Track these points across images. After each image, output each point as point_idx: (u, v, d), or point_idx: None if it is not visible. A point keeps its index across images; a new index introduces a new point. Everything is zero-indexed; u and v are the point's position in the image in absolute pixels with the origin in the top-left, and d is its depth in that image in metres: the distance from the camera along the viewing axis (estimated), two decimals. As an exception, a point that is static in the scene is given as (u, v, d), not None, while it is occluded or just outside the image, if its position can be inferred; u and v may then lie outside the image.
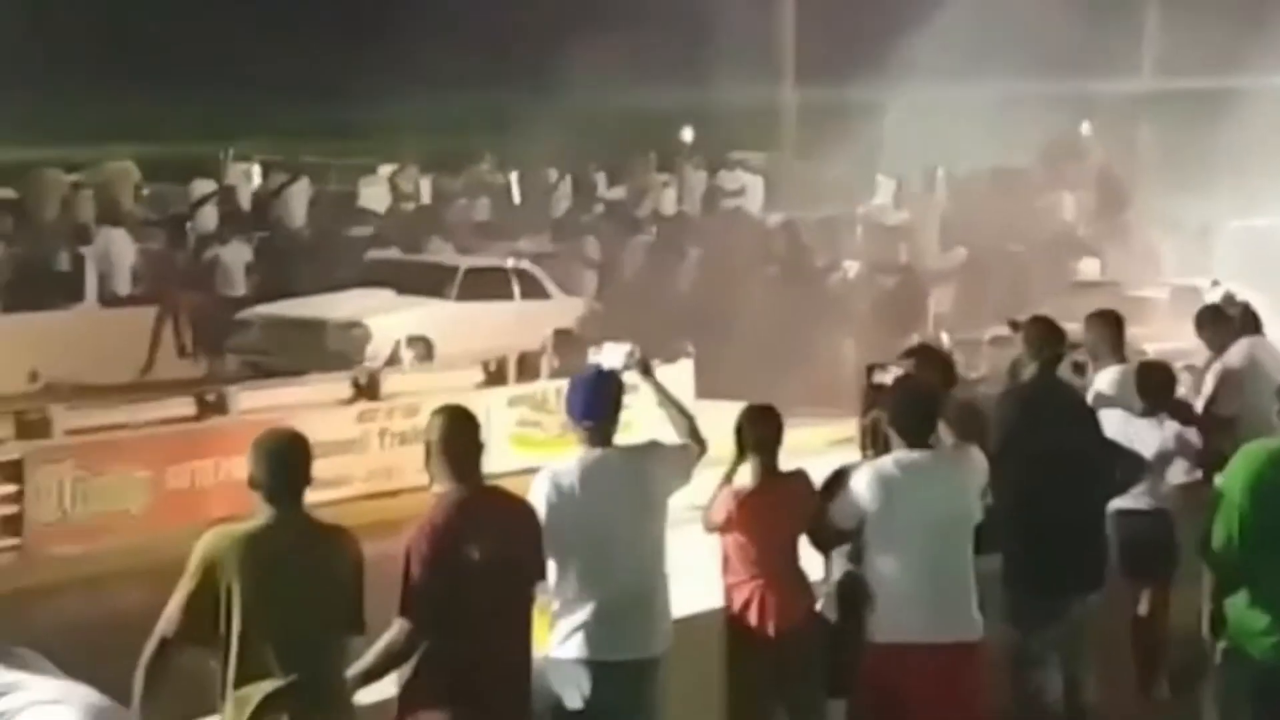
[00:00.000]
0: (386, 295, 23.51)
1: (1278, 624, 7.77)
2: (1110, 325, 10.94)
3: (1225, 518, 7.84)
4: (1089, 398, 10.48)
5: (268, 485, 6.68)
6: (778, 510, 8.30)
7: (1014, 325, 10.06)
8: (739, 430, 8.50)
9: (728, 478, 8.50)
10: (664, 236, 29.94)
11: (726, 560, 8.46)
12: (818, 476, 8.46)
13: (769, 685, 8.34)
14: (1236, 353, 11.23)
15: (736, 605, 8.40)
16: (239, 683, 6.46)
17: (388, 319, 22.97)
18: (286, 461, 6.74)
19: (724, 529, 8.42)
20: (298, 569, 6.57)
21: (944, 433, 8.20)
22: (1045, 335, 9.66)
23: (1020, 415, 9.15)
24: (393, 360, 21.84)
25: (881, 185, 34.56)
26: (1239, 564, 7.79)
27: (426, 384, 18.72)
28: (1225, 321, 11.94)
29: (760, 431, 8.49)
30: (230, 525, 6.73)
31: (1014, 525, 8.39)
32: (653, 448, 7.84)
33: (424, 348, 22.89)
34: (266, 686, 6.44)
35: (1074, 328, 11.36)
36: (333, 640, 6.65)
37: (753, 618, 8.33)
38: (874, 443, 8.46)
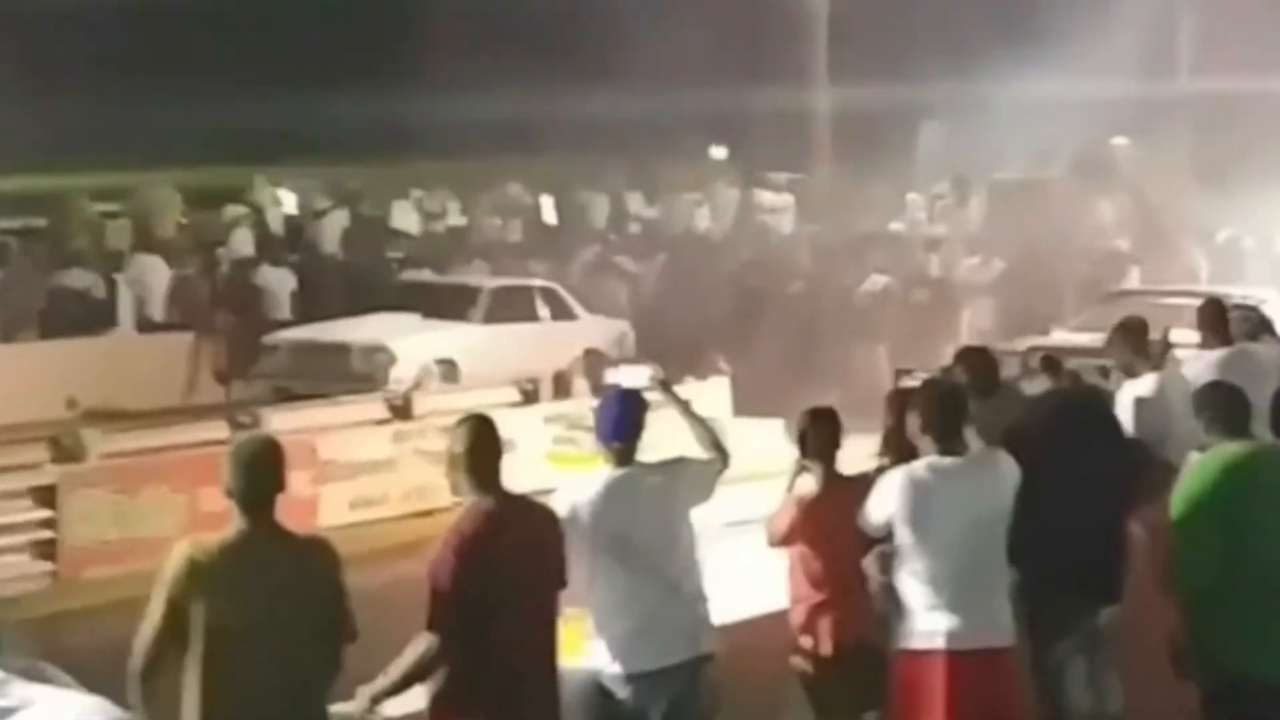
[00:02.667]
0: (411, 319, 23.56)
1: (1266, 637, 7.74)
2: (1135, 333, 10.87)
3: (1193, 541, 7.81)
4: (1129, 403, 10.43)
5: (241, 493, 6.63)
6: (844, 518, 8.18)
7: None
8: (801, 436, 8.46)
9: (790, 487, 8.46)
10: (698, 254, 29.91)
11: (792, 572, 8.43)
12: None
13: (833, 701, 8.30)
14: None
15: (798, 621, 8.38)
16: (211, 696, 6.42)
17: (412, 342, 23.03)
18: (258, 468, 6.68)
19: (787, 540, 8.38)
20: (271, 578, 6.53)
21: (972, 439, 8.13)
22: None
23: (1046, 426, 9.07)
24: (418, 383, 21.88)
25: (913, 200, 34.52)
26: (1216, 587, 7.74)
27: (461, 404, 18.70)
28: (1222, 324, 11.70)
29: (822, 436, 8.44)
30: (203, 537, 6.70)
31: (1032, 535, 8.32)
32: (677, 463, 7.86)
33: (450, 370, 22.91)
34: (240, 700, 6.40)
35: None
36: (316, 649, 6.59)
37: (815, 633, 8.32)
38: (892, 449, 8.44)
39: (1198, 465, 8.13)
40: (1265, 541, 7.81)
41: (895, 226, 32.50)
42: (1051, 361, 9.53)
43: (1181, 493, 7.98)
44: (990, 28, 33.02)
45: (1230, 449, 7.97)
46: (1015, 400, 9.87)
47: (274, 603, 6.51)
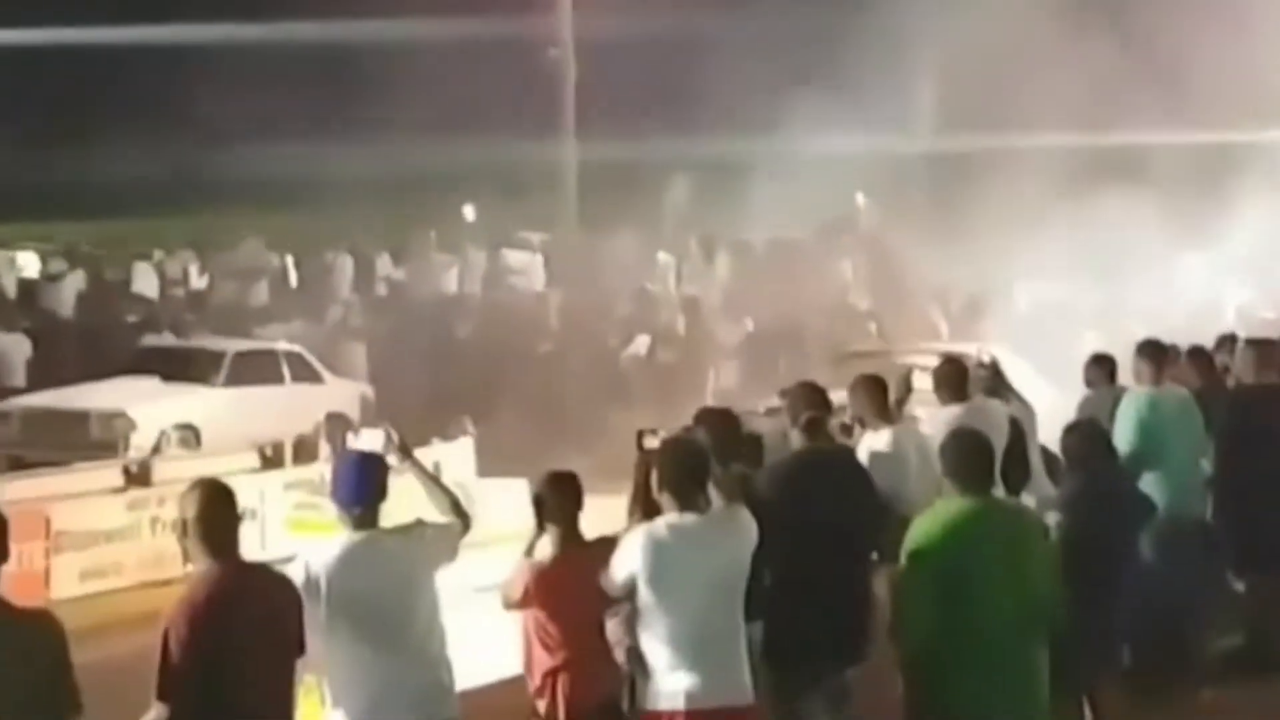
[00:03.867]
0: (151, 383, 23.22)
1: (981, 695, 7.83)
2: (873, 390, 10.98)
3: (911, 596, 7.90)
4: (863, 458, 10.52)
5: None
6: (581, 583, 8.08)
7: (783, 394, 10.04)
8: (537, 500, 8.35)
9: (528, 551, 8.36)
10: (447, 316, 29.83)
11: (527, 638, 8.31)
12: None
13: None
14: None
15: (534, 685, 8.27)
16: None
17: (152, 407, 22.70)
18: None
19: (522, 604, 8.26)
20: None
21: (715, 496, 8.12)
22: (805, 399, 9.67)
23: (784, 487, 9.10)
24: (158, 449, 21.53)
25: (663, 260, 34.78)
26: (935, 642, 7.83)
27: (200, 470, 18.37)
28: (960, 381, 11.86)
29: (560, 499, 8.33)
30: None
31: (777, 592, 8.34)
32: (417, 527, 7.77)
33: (191, 435, 22.55)
34: None
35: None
36: None
37: (552, 697, 8.20)
38: (638, 508, 8.40)
39: (920, 520, 8.23)
40: (983, 599, 7.91)
41: (647, 286, 32.69)
42: (813, 421, 9.56)
43: (905, 547, 8.07)
44: (737, 85, 33.41)
45: (954, 504, 8.07)
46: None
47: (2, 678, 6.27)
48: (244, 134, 35.50)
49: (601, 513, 8.53)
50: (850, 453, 10.25)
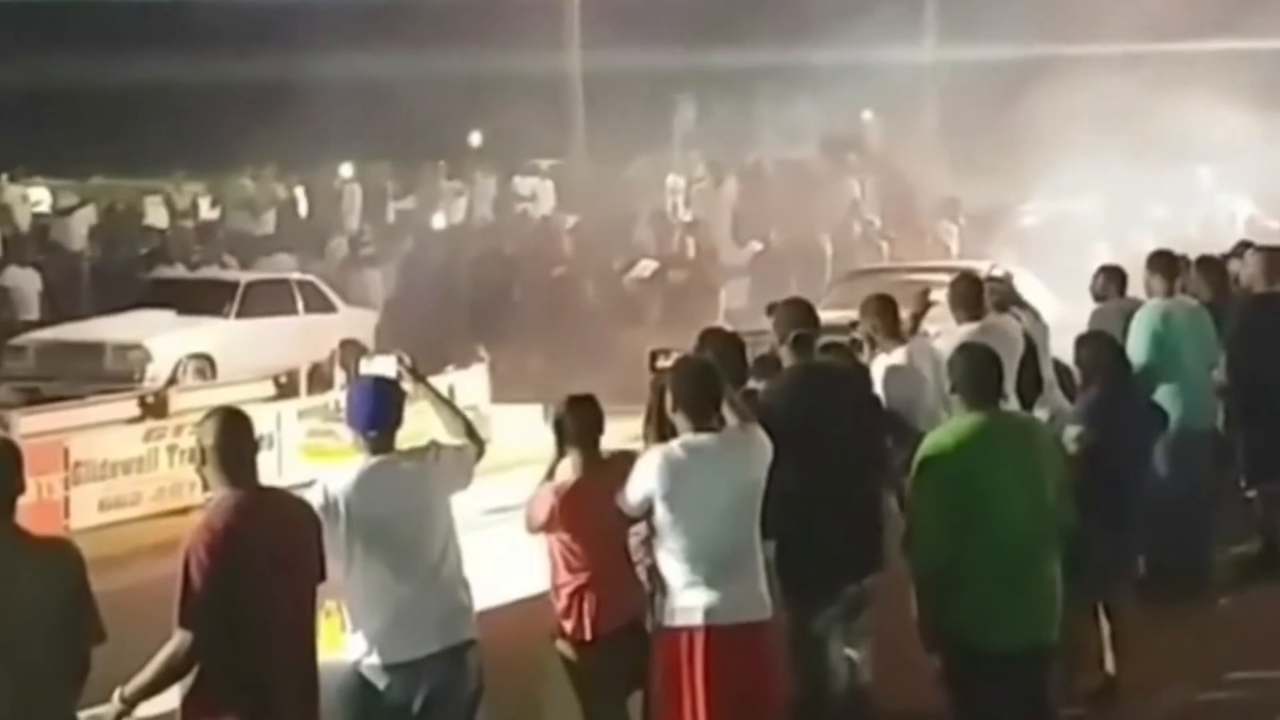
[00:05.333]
0: (166, 315, 23.26)
1: (994, 611, 7.89)
2: (883, 309, 10.98)
3: (924, 512, 7.94)
4: (878, 374, 10.55)
5: None
6: (604, 503, 8.13)
7: (769, 311, 10.02)
8: (558, 423, 8.38)
9: (549, 474, 8.40)
10: (456, 244, 29.84)
11: (552, 560, 8.36)
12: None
13: (596, 685, 8.29)
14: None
15: (560, 605, 8.33)
16: None
17: (167, 339, 22.76)
18: None
19: (548, 528, 8.31)
20: (11, 583, 6.33)
21: (729, 415, 8.16)
22: (792, 316, 9.66)
23: (780, 403, 9.10)
24: (174, 380, 21.62)
25: (672, 183, 34.76)
26: (947, 558, 7.89)
27: (215, 399, 18.46)
28: (976, 299, 11.86)
29: (580, 422, 8.36)
30: None
31: (785, 510, 8.37)
32: (432, 449, 7.79)
33: (206, 366, 22.61)
34: None
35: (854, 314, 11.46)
36: (62, 652, 6.42)
37: (578, 617, 8.26)
38: (653, 430, 8.45)
39: (932, 436, 8.25)
40: (996, 515, 7.93)
41: (655, 210, 32.67)
42: (801, 338, 9.56)
43: (916, 462, 8.10)
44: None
45: (966, 419, 8.08)
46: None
47: (15, 606, 6.31)
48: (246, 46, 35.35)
49: (614, 433, 8.57)
50: (847, 366, 10.27)
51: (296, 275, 25.49)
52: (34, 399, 21.59)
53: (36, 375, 22.60)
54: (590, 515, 8.23)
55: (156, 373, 22.08)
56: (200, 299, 23.82)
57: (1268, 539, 12.95)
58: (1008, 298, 12.48)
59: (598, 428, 8.41)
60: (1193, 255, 14.15)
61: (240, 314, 23.65)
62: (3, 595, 6.31)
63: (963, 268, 16.10)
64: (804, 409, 9.15)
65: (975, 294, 11.67)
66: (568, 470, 8.38)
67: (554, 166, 37.23)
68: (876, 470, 9.54)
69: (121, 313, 23.61)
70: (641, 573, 8.34)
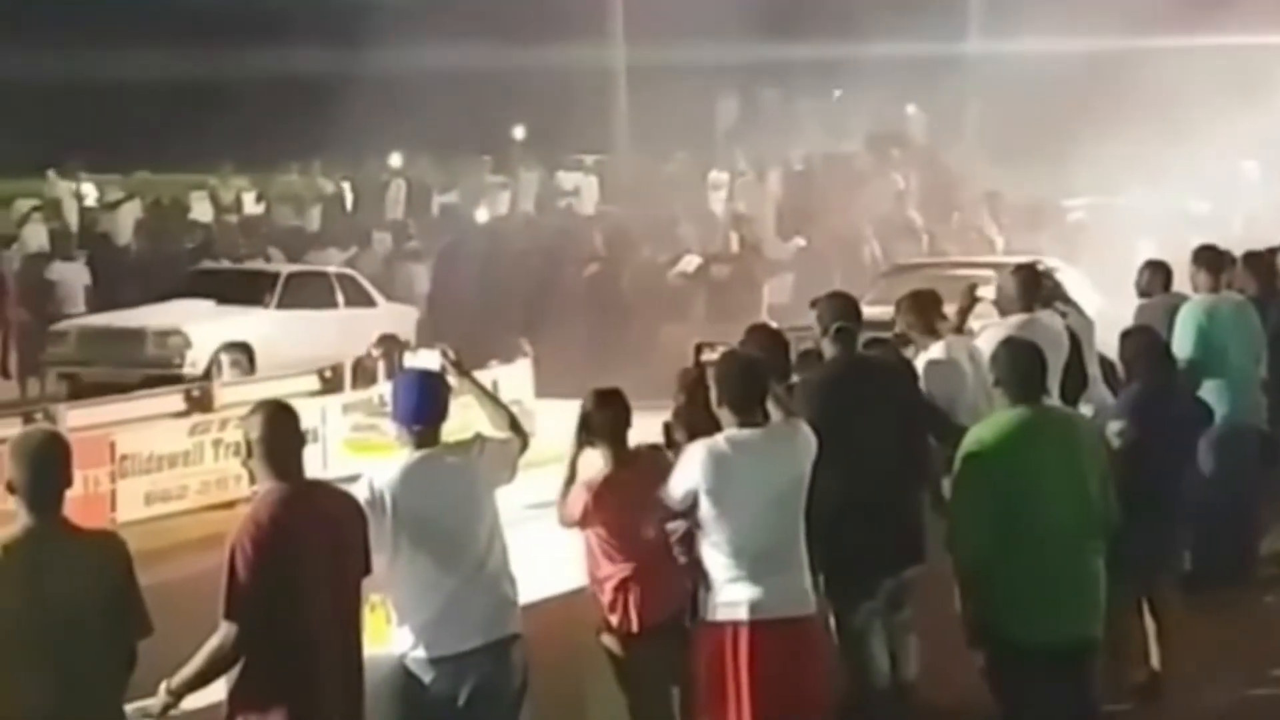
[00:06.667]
0: (206, 305, 23.32)
1: (1036, 605, 7.87)
2: (920, 306, 10.94)
3: (966, 506, 7.92)
4: (922, 369, 10.53)
5: (25, 489, 6.42)
6: (638, 494, 8.17)
7: (813, 305, 10.02)
8: (586, 417, 8.40)
9: (571, 468, 8.42)
10: (500, 238, 29.86)
11: (592, 555, 8.40)
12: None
13: (641, 677, 8.32)
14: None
15: (605, 600, 8.36)
16: (2, 695, 6.27)
17: (207, 327, 22.82)
18: (45, 464, 6.46)
19: (583, 523, 8.34)
20: (58, 575, 6.36)
21: (773, 410, 8.17)
22: (834, 309, 9.65)
23: (820, 396, 9.08)
24: (212, 369, 21.72)
25: (715, 179, 34.72)
26: (989, 552, 7.87)
27: (260, 394, 18.53)
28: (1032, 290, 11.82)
29: (608, 416, 8.39)
30: None
31: (827, 500, 8.37)
32: (476, 442, 7.81)
33: (244, 356, 22.71)
34: (31, 698, 6.25)
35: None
36: (108, 645, 6.46)
37: (624, 610, 8.30)
38: (683, 425, 8.48)
39: (975, 431, 8.25)
40: (1038, 510, 7.93)
41: (699, 204, 32.64)
42: (843, 330, 9.55)
43: (959, 456, 8.10)
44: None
45: (1009, 414, 8.07)
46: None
47: (61, 600, 6.34)
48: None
49: (656, 427, 8.60)
50: (889, 359, 10.27)
51: (336, 269, 25.56)
52: (75, 384, 21.81)
53: (77, 360, 22.74)
54: (624, 508, 8.27)
55: (195, 359, 22.19)
56: (241, 289, 23.87)
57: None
58: (1052, 293, 12.45)
59: (625, 422, 8.45)
60: (1238, 250, 14.08)
61: (280, 305, 23.69)
62: (50, 588, 6.34)
63: (1008, 262, 16.05)
64: (843, 400, 9.13)
65: (1029, 287, 11.62)
66: (597, 465, 8.40)
67: (597, 161, 37.24)
68: (917, 463, 9.53)
69: (162, 302, 23.69)
70: (684, 575, 8.36)
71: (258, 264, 26.25)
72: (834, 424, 8.46)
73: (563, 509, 8.40)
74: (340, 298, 24.39)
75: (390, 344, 21.63)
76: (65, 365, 22.83)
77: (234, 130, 35.19)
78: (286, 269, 25.15)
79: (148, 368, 21.57)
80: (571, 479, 8.45)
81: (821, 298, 9.98)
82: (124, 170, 35.29)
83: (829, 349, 9.59)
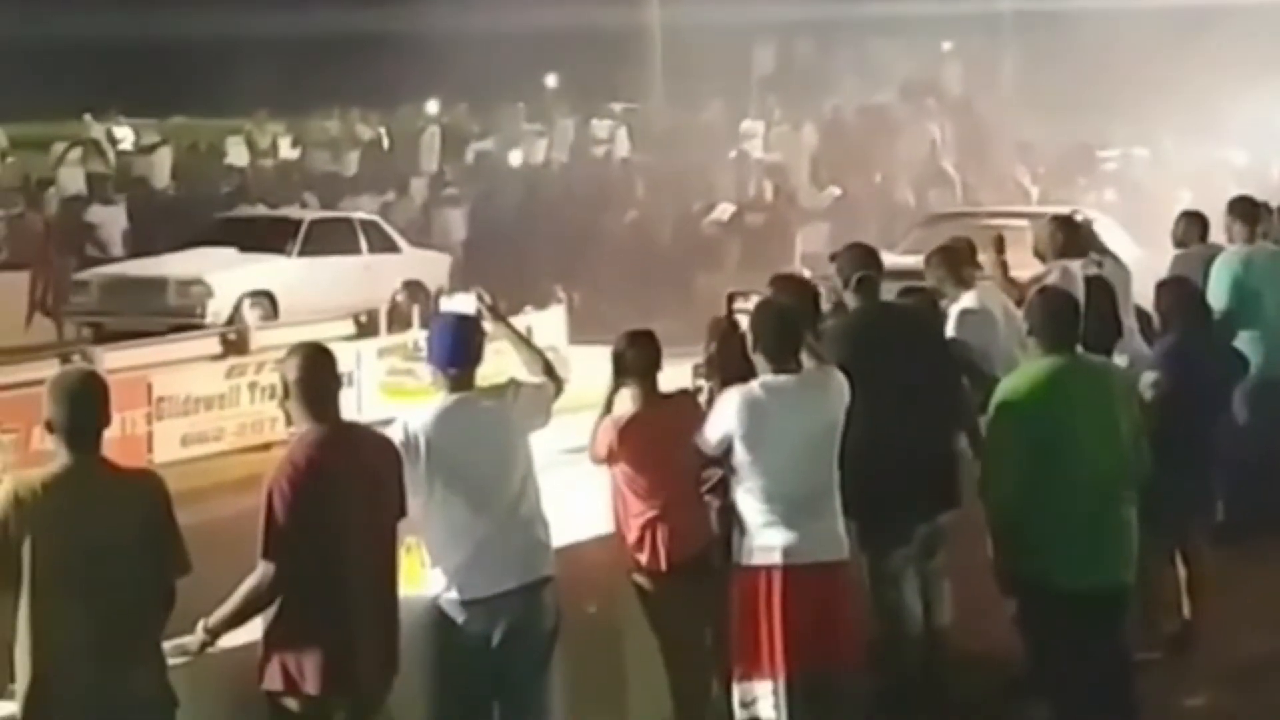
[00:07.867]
0: (228, 252, 23.35)
1: (1066, 551, 7.89)
2: (949, 259, 10.94)
3: (998, 452, 7.93)
4: (954, 318, 10.54)
5: (65, 428, 6.45)
6: (664, 434, 8.22)
7: (833, 258, 10.03)
8: (617, 357, 8.44)
9: (606, 408, 8.46)
10: (534, 185, 29.87)
11: (619, 494, 8.43)
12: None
13: (672, 616, 8.35)
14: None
15: (632, 538, 8.39)
16: (41, 633, 6.29)
17: (229, 275, 22.86)
18: (84, 402, 6.48)
19: (609, 460, 8.37)
20: (96, 512, 6.39)
21: (806, 359, 8.18)
22: (855, 259, 9.65)
23: (845, 344, 9.06)
24: (234, 317, 21.80)
25: (749, 128, 34.67)
26: (1020, 498, 7.88)
27: (295, 337, 18.58)
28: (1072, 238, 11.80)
29: (639, 356, 8.42)
30: (26, 472, 6.55)
31: (859, 445, 8.37)
32: (511, 386, 7.82)
33: (266, 303, 22.75)
34: (72, 635, 6.31)
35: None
36: (147, 582, 6.49)
37: (652, 548, 8.32)
38: (715, 371, 8.50)
39: (1009, 377, 8.26)
40: (1071, 458, 7.92)
41: (732, 154, 32.59)
42: (864, 280, 9.56)
43: (992, 405, 8.11)
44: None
45: (1043, 363, 8.07)
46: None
47: (101, 537, 6.37)
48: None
49: (690, 374, 8.63)
50: (915, 306, 10.27)
51: (360, 215, 25.52)
52: (100, 332, 21.93)
53: (100, 310, 22.83)
54: (651, 446, 8.30)
55: (218, 308, 22.27)
56: (263, 237, 23.86)
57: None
58: (1088, 242, 12.42)
59: (656, 363, 8.47)
60: (1274, 201, 14.03)
61: (303, 252, 23.68)
62: (89, 525, 6.38)
63: (1044, 212, 16.01)
64: (869, 346, 9.12)
65: (1065, 236, 11.59)
66: (627, 403, 8.44)
67: (630, 110, 37.19)
68: (950, 408, 9.53)
69: (184, 250, 23.73)
70: (711, 515, 8.40)
71: (280, 211, 26.22)
72: (860, 370, 8.46)
73: (591, 447, 8.45)
74: (364, 244, 24.37)
75: (414, 291, 21.72)
76: (88, 315, 22.93)
77: (270, 77, 35.19)
78: (309, 216, 25.15)
79: (170, 316, 21.65)
80: (606, 416, 8.50)
81: (841, 250, 9.99)
82: (160, 115, 35.37)
83: (851, 299, 9.59)
